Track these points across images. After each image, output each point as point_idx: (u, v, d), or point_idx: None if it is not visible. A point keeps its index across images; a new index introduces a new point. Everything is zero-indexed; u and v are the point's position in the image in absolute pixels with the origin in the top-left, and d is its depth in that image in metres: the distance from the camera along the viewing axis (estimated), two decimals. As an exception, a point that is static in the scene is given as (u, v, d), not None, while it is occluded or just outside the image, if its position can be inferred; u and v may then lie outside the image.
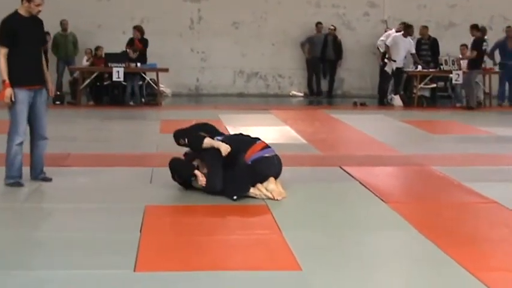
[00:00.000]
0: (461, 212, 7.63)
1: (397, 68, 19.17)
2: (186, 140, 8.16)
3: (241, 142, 8.26)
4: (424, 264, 5.82)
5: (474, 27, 18.75)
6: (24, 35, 8.19)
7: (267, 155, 8.10)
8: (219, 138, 8.27)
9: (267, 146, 8.24)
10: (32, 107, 8.29)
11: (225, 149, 7.95)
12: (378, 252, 6.23)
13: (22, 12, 8.26)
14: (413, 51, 19.26)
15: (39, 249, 6.12)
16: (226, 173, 7.90)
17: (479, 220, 7.37)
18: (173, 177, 8.22)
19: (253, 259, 5.83)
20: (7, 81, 8.09)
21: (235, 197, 7.75)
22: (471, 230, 6.90)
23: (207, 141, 8.03)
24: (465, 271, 5.53)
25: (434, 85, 19.63)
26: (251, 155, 8.02)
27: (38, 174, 8.55)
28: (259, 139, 8.35)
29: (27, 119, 8.30)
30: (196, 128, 8.45)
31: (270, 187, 7.87)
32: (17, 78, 8.13)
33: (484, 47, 18.69)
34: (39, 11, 8.32)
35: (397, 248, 6.46)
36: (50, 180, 8.55)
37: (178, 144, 8.25)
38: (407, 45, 19.19)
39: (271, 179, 7.93)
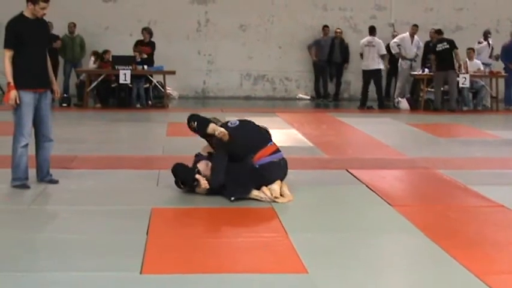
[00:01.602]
0: (467, 215, 7.62)
1: (378, 70, 19.27)
2: (196, 123, 8.19)
3: (254, 141, 8.21)
4: (430, 267, 5.82)
5: (436, 32, 19.26)
6: (29, 37, 8.20)
7: (275, 159, 8.09)
8: (233, 122, 8.28)
9: (277, 150, 8.21)
10: (37, 109, 8.31)
11: (221, 133, 7.99)
12: (384, 255, 6.24)
13: (27, 14, 8.27)
14: (382, 52, 19.38)
15: (45, 251, 6.13)
16: (231, 171, 7.90)
17: (485, 223, 7.36)
18: (176, 183, 8.23)
19: (259, 262, 5.83)
20: (12, 83, 8.11)
21: (232, 198, 7.75)
22: (477, 233, 6.89)
23: (212, 126, 8.09)
24: (471, 274, 5.53)
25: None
26: (260, 158, 8.01)
27: (44, 176, 8.57)
28: (271, 140, 8.32)
29: (33, 121, 8.32)
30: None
31: (272, 187, 7.87)
32: (22, 81, 8.14)
33: (438, 49, 18.71)
34: (44, 14, 8.34)
35: (403, 250, 6.46)
36: (56, 182, 8.57)
37: (189, 127, 8.32)
38: (375, 45, 19.37)
39: (277, 181, 7.94)
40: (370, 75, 19.26)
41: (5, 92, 8.28)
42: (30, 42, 8.21)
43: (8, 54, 8.14)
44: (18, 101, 8.10)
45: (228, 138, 8.01)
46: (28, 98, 8.17)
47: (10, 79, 8.11)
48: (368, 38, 19.33)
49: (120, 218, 7.16)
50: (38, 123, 8.40)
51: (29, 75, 8.19)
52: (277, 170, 8.06)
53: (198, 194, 8.03)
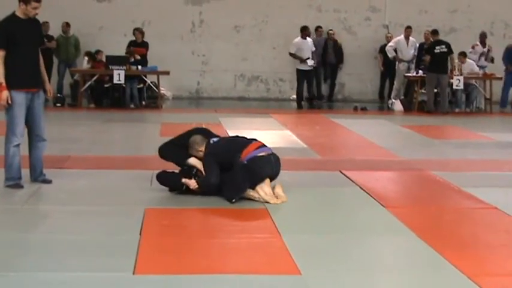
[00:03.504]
0: (460, 217, 7.63)
1: (308, 70, 19.66)
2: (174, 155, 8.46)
3: (237, 144, 8.29)
4: (423, 269, 5.82)
5: (432, 32, 19.31)
6: (21, 37, 8.17)
7: (262, 153, 8.09)
8: (214, 140, 8.30)
9: (262, 145, 8.24)
10: (29, 109, 8.29)
11: (193, 162, 8.23)
12: (377, 256, 6.25)
13: (19, 14, 8.24)
14: (313, 49, 19.80)
15: (38, 251, 6.11)
16: (224, 175, 7.91)
17: (478, 225, 7.38)
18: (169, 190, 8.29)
19: (252, 263, 5.83)
20: (3, 83, 8.08)
21: (233, 200, 7.76)
22: (470, 235, 6.91)
23: (191, 141, 8.25)
24: (464, 276, 5.53)
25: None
26: (246, 154, 8.02)
27: (37, 176, 8.55)
28: (255, 139, 8.37)
29: (25, 121, 8.31)
30: (182, 137, 8.52)
31: (265, 189, 7.87)
32: (14, 81, 8.11)
33: (436, 51, 18.77)
34: (36, 14, 8.32)
35: (396, 252, 6.47)
36: (49, 182, 8.56)
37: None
38: (309, 45, 19.63)
39: (267, 181, 7.94)
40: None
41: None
42: (23, 42, 8.19)
43: (0, 54, 8.13)
44: (10, 101, 8.09)
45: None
46: (20, 98, 8.15)
47: (2, 79, 8.08)
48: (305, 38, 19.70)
49: (114, 218, 7.16)
50: (30, 123, 8.38)
51: (21, 75, 8.16)
52: (266, 164, 8.04)
53: (192, 194, 8.01)
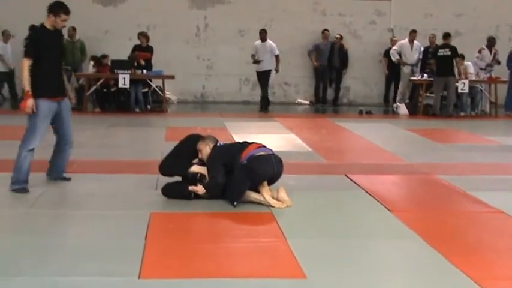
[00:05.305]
0: (466, 221, 7.61)
1: (265, 71, 19.43)
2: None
3: (238, 146, 8.35)
4: (429, 273, 5.81)
5: (443, 36, 19.31)
6: (48, 48, 8.42)
7: (261, 153, 8.09)
8: (221, 143, 8.35)
9: (261, 146, 8.25)
10: (57, 116, 8.56)
11: (196, 170, 8.23)
12: (383, 261, 6.23)
13: (47, 25, 8.49)
14: (276, 53, 19.44)
15: (44, 255, 6.10)
16: (227, 179, 7.91)
17: (484, 229, 7.36)
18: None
19: (258, 267, 5.83)
20: (30, 92, 8.21)
21: (235, 204, 7.75)
22: (476, 239, 6.89)
23: (200, 145, 8.31)
24: (470, 280, 5.52)
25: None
26: (246, 154, 8.02)
27: (60, 173, 8.89)
28: (255, 142, 8.39)
29: (55, 129, 8.65)
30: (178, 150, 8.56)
31: (269, 193, 7.89)
32: (41, 90, 8.31)
33: (439, 54, 18.85)
34: (64, 26, 8.68)
35: (402, 256, 6.45)
36: (69, 179, 8.90)
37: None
38: (266, 48, 19.38)
39: (265, 183, 7.93)
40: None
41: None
42: (50, 52, 8.45)
43: (27, 63, 8.32)
44: (34, 109, 8.21)
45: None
46: (45, 107, 8.36)
47: (28, 87, 8.24)
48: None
49: (119, 222, 7.15)
50: (59, 128, 8.73)
51: (48, 85, 8.41)
52: (266, 163, 8.01)
53: (197, 199, 8.01)
